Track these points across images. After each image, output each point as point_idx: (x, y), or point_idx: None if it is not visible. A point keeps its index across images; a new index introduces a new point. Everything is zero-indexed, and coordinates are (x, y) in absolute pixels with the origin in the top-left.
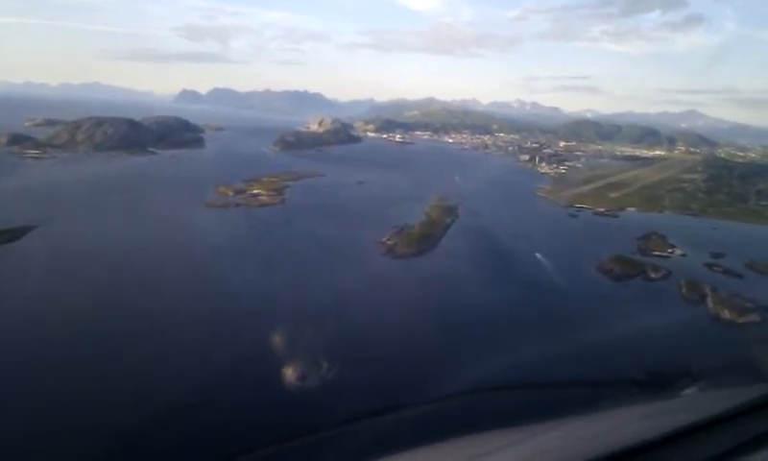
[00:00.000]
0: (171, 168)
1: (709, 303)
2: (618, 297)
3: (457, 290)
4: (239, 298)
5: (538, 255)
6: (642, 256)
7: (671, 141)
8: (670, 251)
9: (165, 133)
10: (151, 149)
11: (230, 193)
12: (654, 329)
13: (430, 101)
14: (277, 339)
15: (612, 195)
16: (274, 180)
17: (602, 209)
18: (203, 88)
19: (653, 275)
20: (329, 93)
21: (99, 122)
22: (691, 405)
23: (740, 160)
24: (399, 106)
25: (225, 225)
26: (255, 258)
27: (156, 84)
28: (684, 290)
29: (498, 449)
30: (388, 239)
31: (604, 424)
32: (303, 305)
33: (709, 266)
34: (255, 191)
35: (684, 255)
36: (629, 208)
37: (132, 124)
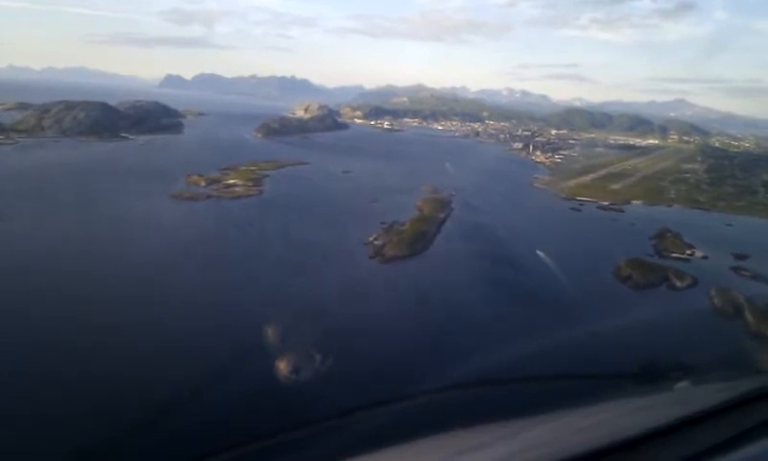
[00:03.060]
0: (141, 155)
1: (748, 316)
2: (643, 312)
3: (458, 305)
4: (180, 315)
5: (547, 260)
6: (660, 259)
7: (663, 130)
8: (689, 252)
9: (141, 118)
10: (123, 134)
11: (203, 183)
12: (697, 357)
13: (419, 88)
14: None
15: (614, 186)
16: (252, 168)
17: (606, 203)
18: (188, 73)
19: (678, 283)
20: (317, 79)
21: (69, 106)
22: (684, 398)
23: (736, 150)
24: (388, 92)
25: (189, 220)
26: (215, 263)
27: (141, 68)
28: (715, 301)
29: (489, 443)
30: (375, 239)
31: (596, 417)
32: (267, 326)
33: (736, 270)
34: (231, 181)
35: (705, 257)
36: (634, 201)
37: (105, 108)
